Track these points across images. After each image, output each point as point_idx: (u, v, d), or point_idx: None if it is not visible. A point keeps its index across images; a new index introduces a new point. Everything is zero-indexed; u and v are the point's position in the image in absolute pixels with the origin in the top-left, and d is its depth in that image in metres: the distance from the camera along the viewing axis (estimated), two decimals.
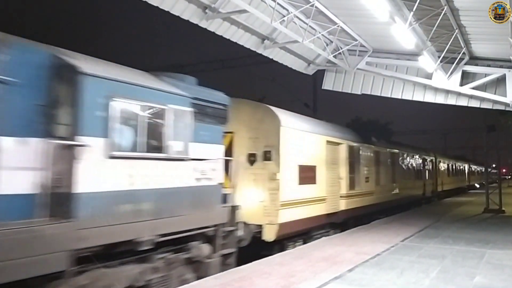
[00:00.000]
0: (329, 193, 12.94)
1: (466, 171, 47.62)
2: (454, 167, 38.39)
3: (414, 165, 23.75)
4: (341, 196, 13.70)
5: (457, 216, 18.44)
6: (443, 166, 32.37)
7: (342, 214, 13.78)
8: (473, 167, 56.21)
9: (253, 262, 8.65)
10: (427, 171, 26.48)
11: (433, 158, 28.78)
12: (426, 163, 26.40)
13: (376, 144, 17.86)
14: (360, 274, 7.74)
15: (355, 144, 15.26)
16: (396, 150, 20.57)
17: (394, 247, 10.53)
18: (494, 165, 35.34)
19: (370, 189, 16.49)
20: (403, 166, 21.56)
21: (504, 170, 67.83)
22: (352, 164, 14.81)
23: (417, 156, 24.64)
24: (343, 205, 13.81)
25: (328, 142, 13.19)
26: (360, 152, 15.68)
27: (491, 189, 21.62)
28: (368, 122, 45.78)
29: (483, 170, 59.23)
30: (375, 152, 17.35)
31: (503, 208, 20.09)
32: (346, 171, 14.20)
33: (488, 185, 22.32)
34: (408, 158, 22.50)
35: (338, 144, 13.93)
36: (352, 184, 14.73)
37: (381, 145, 18.50)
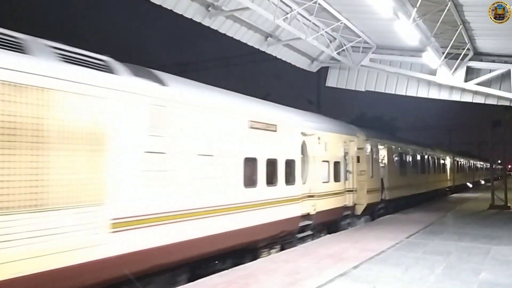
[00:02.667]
0: None
1: (448, 167, 33.10)
2: (422, 160, 24.76)
3: (278, 148, 10.01)
4: None
5: (463, 212, 18.40)
6: (388, 157, 18.07)
7: None
8: (462, 161, 41.52)
9: (258, 260, 8.69)
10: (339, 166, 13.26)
11: (356, 139, 14.69)
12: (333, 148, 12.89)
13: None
14: (365, 271, 7.74)
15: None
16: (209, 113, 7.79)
17: (399, 243, 10.52)
18: (499, 161, 34.85)
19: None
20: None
21: (509, 166, 67.54)
22: None
23: (284, 130, 10.28)
24: None
25: None
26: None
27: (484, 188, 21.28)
28: (373, 118, 45.73)
29: (478, 166, 58.21)
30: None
31: (509, 204, 20.05)
32: None
33: (493, 181, 22.29)
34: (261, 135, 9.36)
35: None
36: None
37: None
